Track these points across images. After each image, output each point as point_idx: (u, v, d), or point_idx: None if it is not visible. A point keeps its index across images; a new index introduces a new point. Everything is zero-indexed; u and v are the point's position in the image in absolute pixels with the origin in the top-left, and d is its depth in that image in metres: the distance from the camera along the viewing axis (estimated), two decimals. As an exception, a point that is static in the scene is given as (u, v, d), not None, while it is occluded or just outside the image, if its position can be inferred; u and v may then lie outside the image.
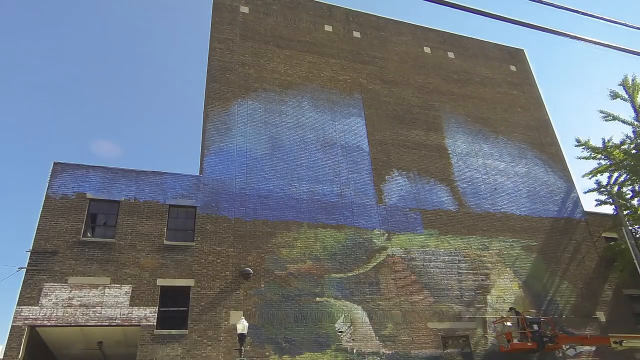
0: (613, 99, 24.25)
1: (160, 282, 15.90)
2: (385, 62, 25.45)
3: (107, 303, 15.03)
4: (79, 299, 14.84)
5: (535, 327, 17.81)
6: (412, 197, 21.31)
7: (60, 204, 16.22)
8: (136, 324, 15.00)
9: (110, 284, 15.34)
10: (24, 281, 14.67)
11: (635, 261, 19.76)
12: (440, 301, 18.94)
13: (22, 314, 14.18)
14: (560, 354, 19.24)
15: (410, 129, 23.58)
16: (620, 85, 24.37)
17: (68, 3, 68.64)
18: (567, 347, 19.43)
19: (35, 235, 15.43)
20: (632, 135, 23.56)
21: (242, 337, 14.46)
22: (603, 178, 24.18)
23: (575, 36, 7.87)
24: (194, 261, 16.63)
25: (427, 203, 21.44)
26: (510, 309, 19.38)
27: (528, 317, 18.37)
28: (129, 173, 17.61)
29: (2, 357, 13.58)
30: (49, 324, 14.34)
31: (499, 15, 7.29)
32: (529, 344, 17.44)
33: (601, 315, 21.15)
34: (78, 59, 70.38)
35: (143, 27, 75.97)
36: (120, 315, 14.97)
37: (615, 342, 16.80)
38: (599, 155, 23.92)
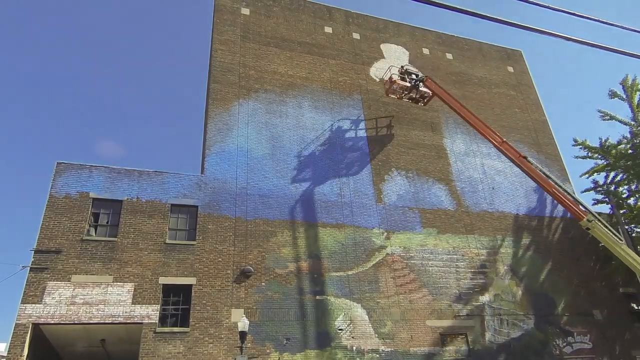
0: (611, 97, 24.42)
1: (162, 280, 16.07)
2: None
3: (110, 301, 15.19)
4: (82, 297, 15.00)
5: (413, 76, 23.00)
6: (411, 197, 21.51)
7: (63, 203, 16.39)
8: (138, 321, 15.18)
9: (113, 282, 15.50)
10: (27, 280, 14.82)
11: (632, 260, 19.93)
12: (438, 299, 19.14)
13: (26, 312, 14.33)
14: (557, 352, 19.47)
15: (409, 129, 23.80)
16: (620, 84, 24.53)
17: (71, 3, 68.69)
18: (564, 344, 19.67)
19: (39, 234, 15.60)
20: (628, 135, 23.78)
21: (243, 334, 14.67)
22: (600, 177, 24.44)
23: (572, 38, 8.06)
24: (196, 260, 16.81)
25: (425, 202, 21.64)
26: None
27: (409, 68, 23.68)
28: (132, 173, 17.79)
29: (6, 355, 13.71)
30: (52, 321, 14.49)
31: (497, 18, 7.48)
32: (407, 84, 22.68)
33: (597, 313, 21.37)
34: (81, 59, 70.44)
35: (146, 29, 76.05)
36: (122, 313, 15.13)
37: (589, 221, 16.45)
38: (596, 155, 24.13)
